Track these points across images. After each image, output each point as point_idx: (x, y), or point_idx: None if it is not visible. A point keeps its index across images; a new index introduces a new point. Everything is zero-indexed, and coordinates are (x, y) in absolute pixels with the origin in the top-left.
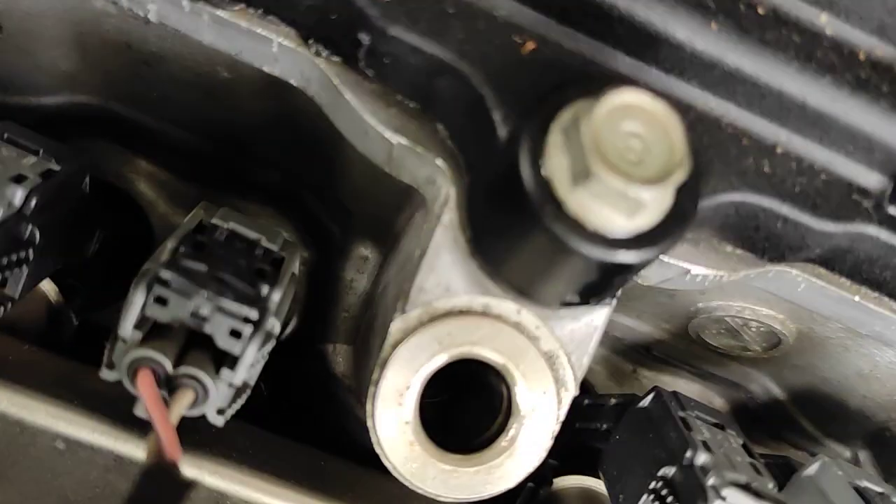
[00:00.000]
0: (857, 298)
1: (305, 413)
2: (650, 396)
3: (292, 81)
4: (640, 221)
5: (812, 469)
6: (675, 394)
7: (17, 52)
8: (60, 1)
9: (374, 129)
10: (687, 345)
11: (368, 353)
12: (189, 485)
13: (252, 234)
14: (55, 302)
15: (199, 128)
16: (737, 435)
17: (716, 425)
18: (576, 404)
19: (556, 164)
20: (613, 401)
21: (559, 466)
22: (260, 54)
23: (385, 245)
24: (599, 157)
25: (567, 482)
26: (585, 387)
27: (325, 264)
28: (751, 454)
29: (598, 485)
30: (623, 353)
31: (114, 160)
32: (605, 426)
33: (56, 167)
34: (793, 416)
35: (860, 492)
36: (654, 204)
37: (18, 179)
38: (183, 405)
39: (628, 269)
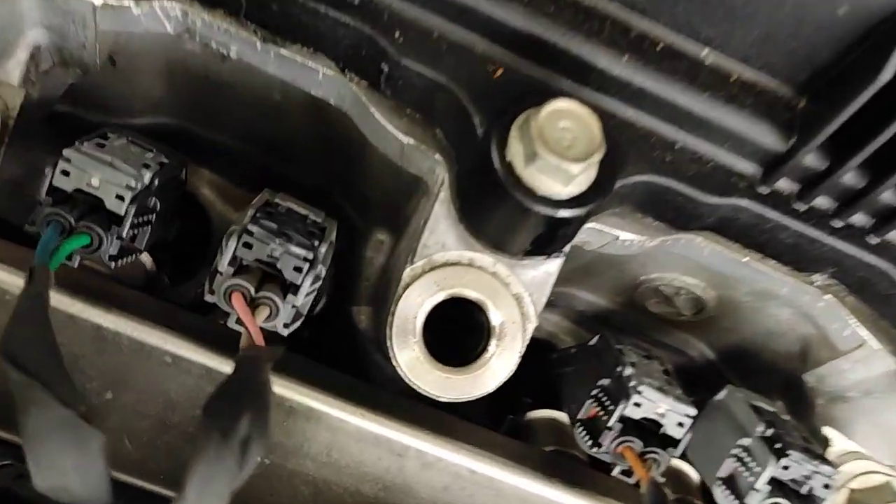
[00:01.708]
0: (746, 259)
1: (335, 364)
2: (597, 337)
3: (331, 101)
4: (572, 189)
5: (721, 394)
6: (616, 335)
7: (122, 82)
8: (161, 43)
9: (391, 133)
10: (636, 315)
11: (386, 302)
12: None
13: (303, 210)
14: (150, 268)
15: (251, 140)
16: (661, 363)
17: (645, 356)
18: (547, 358)
19: (515, 151)
20: (574, 350)
21: (533, 403)
22: (308, 81)
23: (397, 230)
24: (542, 143)
25: (538, 414)
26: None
27: (350, 249)
28: (668, 374)
29: (563, 417)
30: (586, 325)
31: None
32: (568, 370)
33: (166, 160)
34: (724, 375)
35: (755, 408)
36: (582, 176)
37: (146, 166)
38: (262, 317)
39: (566, 224)
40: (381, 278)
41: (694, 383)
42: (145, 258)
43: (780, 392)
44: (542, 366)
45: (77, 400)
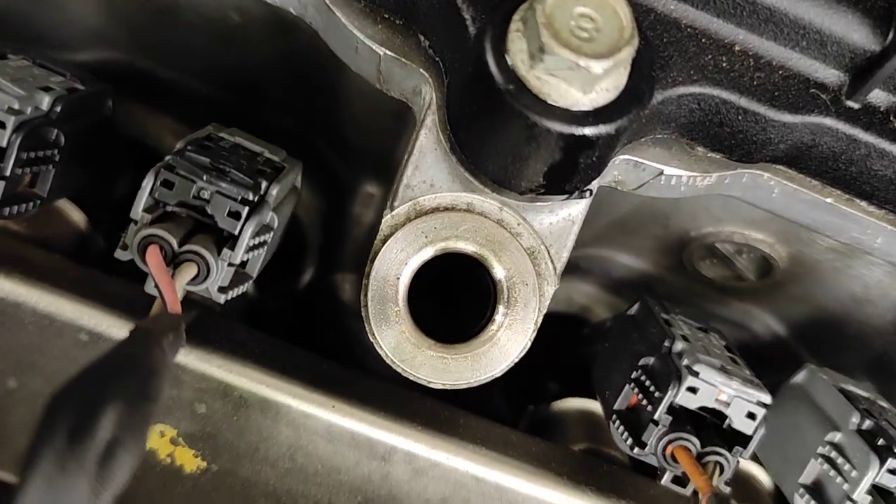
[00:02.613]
0: (829, 200)
1: (314, 339)
2: (637, 304)
3: (291, 10)
4: (596, 97)
5: (799, 376)
6: (660, 300)
7: (50, 7)
8: None
9: (363, 43)
10: (685, 282)
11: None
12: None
13: (256, 147)
14: (84, 228)
15: (215, 77)
16: (720, 338)
17: (699, 328)
18: (577, 334)
19: (517, 49)
20: (609, 322)
21: (560, 390)
22: None
23: (388, 179)
24: (551, 33)
25: (567, 404)
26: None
27: (336, 204)
28: (731, 352)
29: (598, 406)
30: (625, 294)
31: (143, 119)
32: (601, 347)
33: (80, 86)
34: (796, 352)
35: (845, 393)
36: (608, 80)
37: (46, 89)
38: (186, 277)
39: (590, 146)
40: (369, 238)
41: (759, 363)
42: (76, 215)
43: (868, 373)
44: (571, 344)
45: None
